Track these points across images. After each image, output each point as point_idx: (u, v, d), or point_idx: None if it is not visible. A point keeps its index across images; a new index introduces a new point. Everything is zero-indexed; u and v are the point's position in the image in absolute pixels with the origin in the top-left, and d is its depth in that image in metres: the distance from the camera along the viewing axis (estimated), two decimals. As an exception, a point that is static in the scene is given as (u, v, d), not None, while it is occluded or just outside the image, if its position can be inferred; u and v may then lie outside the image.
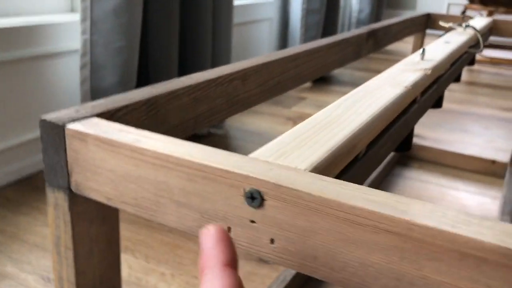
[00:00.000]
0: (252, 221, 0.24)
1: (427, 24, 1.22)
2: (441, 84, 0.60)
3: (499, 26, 1.14)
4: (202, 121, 0.42)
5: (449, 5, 3.79)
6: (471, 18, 1.07)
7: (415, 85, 0.46)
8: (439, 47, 0.66)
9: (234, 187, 0.24)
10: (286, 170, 0.24)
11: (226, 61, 1.44)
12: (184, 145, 0.27)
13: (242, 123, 1.61)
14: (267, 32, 2.11)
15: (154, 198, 0.27)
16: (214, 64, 1.43)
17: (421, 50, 0.57)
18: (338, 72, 2.42)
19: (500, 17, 3.58)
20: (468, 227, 0.20)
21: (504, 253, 0.19)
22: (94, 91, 1.15)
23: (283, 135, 0.30)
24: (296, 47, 0.59)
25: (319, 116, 0.34)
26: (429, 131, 1.60)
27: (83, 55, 1.13)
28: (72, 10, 1.27)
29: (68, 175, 0.30)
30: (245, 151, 1.36)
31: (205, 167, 0.25)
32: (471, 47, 0.85)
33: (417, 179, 1.22)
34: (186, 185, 0.26)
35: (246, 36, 1.98)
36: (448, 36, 0.79)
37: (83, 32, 1.11)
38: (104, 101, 0.34)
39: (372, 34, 0.82)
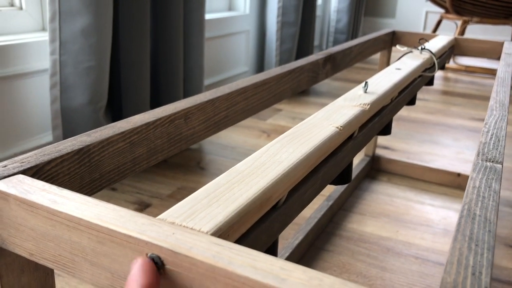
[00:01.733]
0: (156, 283, 0.26)
1: (392, 41, 1.25)
2: (386, 113, 0.62)
3: (461, 44, 1.17)
4: (140, 163, 0.44)
5: (427, 13, 3.85)
6: (426, 41, 1.10)
7: (349, 124, 0.48)
8: (387, 77, 0.68)
9: (138, 252, 0.26)
10: (188, 234, 0.26)
11: (199, 76, 1.45)
12: (98, 206, 0.28)
13: (216, 136, 1.63)
14: (243, 45, 2.13)
15: (70, 256, 0.29)
16: (186, 80, 1.44)
17: (363, 83, 0.59)
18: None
19: (473, 27, 3.64)
20: (338, 296, 0.22)
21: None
22: (64, 111, 1.16)
23: (199, 190, 0.32)
24: (245, 80, 0.61)
25: (241, 166, 0.36)
26: (400, 143, 1.63)
27: (52, 75, 1.13)
28: (44, 29, 1.27)
29: (-6, 230, 0.31)
30: (218, 166, 1.38)
31: (112, 231, 0.26)
32: (426, 69, 0.88)
33: (384, 193, 1.24)
34: (96, 246, 0.27)
35: (223, 49, 2.00)
36: (401, 61, 0.81)
37: (52, 53, 1.12)
38: (34, 154, 0.35)
39: (329, 59, 0.84)
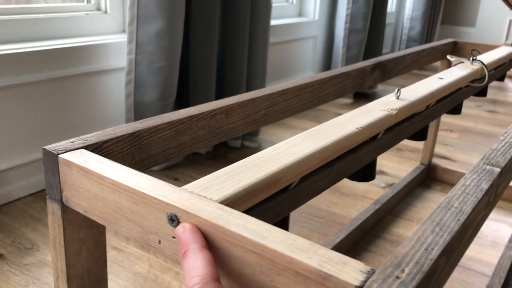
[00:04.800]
0: (173, 237, 0.33)
1: (453, 51, 1.25)
2: (419, 119, 0.66)
3: (523, 56, 1.15)
4: (184, 149, 0.52)
5: (510, 22, 3.68)
6: (479, 52, 1.10)
7: (371, 126, 0.52)
8: (426, 85, 0.71)
9: (161, 211, 0.33)
10: (200, 200, 0.33)
11: (262, 78, 1.53)
12: (136, 175, 0.36)
13: (276, 136, 1.70)
14: (311, 50, 2.18)
15: (113, 213, 0.37)
16: (249, 81, 1.52)
17: (396, 90, 0.63)
18: (380, 88, 2.44)
19: None
20: (304, 253, 0.28)
21: (320, 275, 0.27)
22: (137, 105, 1.28)
23: (219, 170, 0.39)
24: (288, 83, 0.67)
25: (259, 154, 0.42)
26: (461, 154, 1.61)
27: (128, 72, 1.26)
28: (124, 31, 1.41)
29: (61, 191, 0.40)
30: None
31: (143, 194, 0.34)
32: (475, 80, 0.89)
33: (436, 202, 1.25)
34: (132, 206, 0.35)
35: (291, 53, 2.06)
36: (448, 71, 0.83)
37: (129, 52, 1.24)
38: (96, 134, 0.44)
39: (377, 66, 0.88)
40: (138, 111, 1.29)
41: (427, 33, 2.90)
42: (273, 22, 1.96)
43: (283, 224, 0.42)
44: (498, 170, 0.42)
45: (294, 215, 1.15)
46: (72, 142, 0.42)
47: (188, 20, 1.32)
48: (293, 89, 0.66)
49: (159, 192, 0.33)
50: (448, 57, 0.92)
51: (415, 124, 0.64)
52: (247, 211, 0.37)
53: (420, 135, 0.71)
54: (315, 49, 2.21)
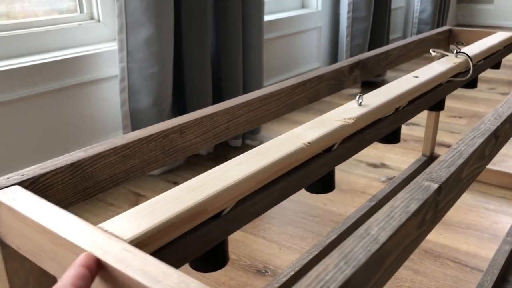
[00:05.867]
0: (86, 276, 0.33)
1: (449, 41, 1.21)
2: (386, 124, 0.65)
3: (520, 41, 1.11)
4: (134, 172, 0.52)
5: (530, -4, 3.55)
6: (464, 44, 1.07)
7: (321, 139, 0.52)
8: (394, 87, 0.69)
9: (72, 252, 0.33)
10: (110, 241, 0.33)
11: (259, 75, 1.52)
12: (57, 215, 0.36)
13: (278, 133, 1.68)
14: (315, 41, 2.15)
15: (39, 252, 0.37)
16: (246, 79, 1.52)
17: (357, 96, 0.62)
18: (390, 75, 2.40)
19: None
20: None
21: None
22: (132, 112, 1.29)
23: (145, 203, 0.39)
24: (251, 93, 0.66)
25: (193, 181, 0.42)
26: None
27: (121, 80, 1.27)
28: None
29: (-3, 227, 0.41)
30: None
31: (56, 235, 0.34)
32: (460, 74, 0.86)
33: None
34: (51, 246, 0.35)
35: (295, 46, 2.05)
36: (427, 67, 0.81)
37: (121, 60, 1.26)
38: (34, 168, 0.44)
39: (357, 65, 0.86)
40: (134, 117, 1.30)
41: (440, 15, 2.83)
42: (275, 15, 1.94)
43: (219, 250, 0.42)
44: (436, 186, 0.41)
45: (289, 215, 1.15)
46: (8, 178, 0.43)
47: (179, 23, 1.32)
48: (257, 99, 0.66)
49: (70, 233, 0.34)
50: (431, 51, 0.90)
51: (379, 130, 0.63)
52: (167, 246, 0.37)
53: (391, 137, 0.69)
54: (320, 40, 2.18)
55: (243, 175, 0.43)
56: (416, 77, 0.75)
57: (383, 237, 0.34)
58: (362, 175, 1.36)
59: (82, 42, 1.33)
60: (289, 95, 0.72)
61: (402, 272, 0.93)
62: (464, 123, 1.77)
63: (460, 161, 0.46)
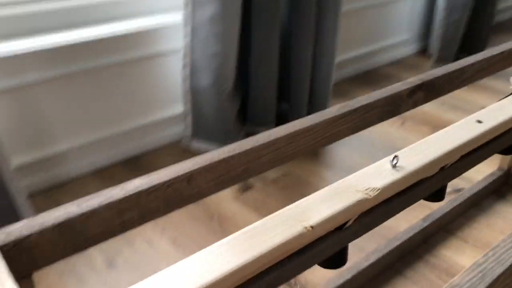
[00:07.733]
0: None
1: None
2: (419, 190, 0.57)
3: None
4: (131, 224, 0.50)
5: None
6: None
7: (328, 221, 0.46)
8: (445, 138, 0.60)
9: None
10: None
11: (330, 61, 1.43)
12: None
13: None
14: (408, 11, 1.97)
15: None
16: (316, 65, 1.42)
17: (392, 156, 0.54)
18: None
19: None
20: None
21: None
22: (193, 89, 1.28)
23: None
24: (278, 129, 0.60)
25: (187, 262, 0.40)
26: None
27: (184, 56, 1.25)
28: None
29: (-22, 287, 0.42)
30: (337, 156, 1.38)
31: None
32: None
33: (505, 218, 1.10)
34: None
35: (384, 17, 1.89)
36: (497, 105, 0.69)
37: (185, 36, 1.23)
38: (19, 228, 0.44)
39: (420, 88, 0.76)
40: (194, 94, 1.29)
41: None
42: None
43: None
44: None
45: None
46: (-8, 237, 0.43)
47: (249, 3, 1.25)
48: (286, 137, 0.60)
49: None
50: (511, 80, 0.77)
51: (413, 196, 0.55)
52: None
53: (435, 195, 0.61)
54: (413, 11, 1.99)
55: (225, 271, 0.39)
56: (480, 121, 0.65)
57: None
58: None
59: (148, 11, 1.32)
60: (328, 127, 0.65)
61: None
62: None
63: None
